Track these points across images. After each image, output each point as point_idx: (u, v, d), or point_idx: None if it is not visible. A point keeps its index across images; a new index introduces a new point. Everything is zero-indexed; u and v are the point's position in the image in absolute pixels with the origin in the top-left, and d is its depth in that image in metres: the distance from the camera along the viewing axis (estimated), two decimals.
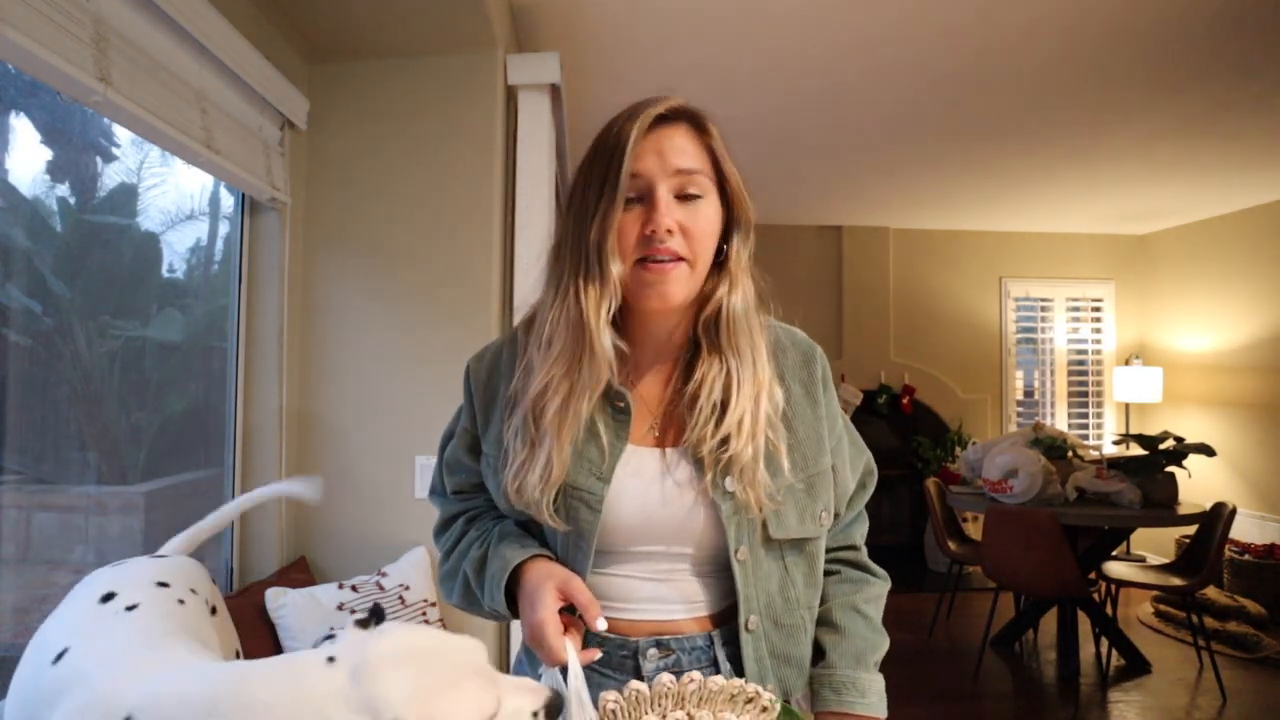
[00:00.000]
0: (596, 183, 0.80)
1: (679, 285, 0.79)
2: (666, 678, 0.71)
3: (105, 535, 1.59)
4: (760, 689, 0.71)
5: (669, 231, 0.77)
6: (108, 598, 0.71)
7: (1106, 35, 2.35)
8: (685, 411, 0.82)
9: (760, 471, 0.78)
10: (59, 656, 0.63)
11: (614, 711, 0.70)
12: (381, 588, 1.87)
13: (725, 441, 0.78)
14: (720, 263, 0.84)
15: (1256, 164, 3.72)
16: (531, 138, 2.09)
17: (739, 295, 0.83)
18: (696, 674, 0.72)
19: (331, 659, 0.57)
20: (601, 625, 0.73)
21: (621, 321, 0.83)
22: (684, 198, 0.80)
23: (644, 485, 0.80)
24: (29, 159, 1.40)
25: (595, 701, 0.70)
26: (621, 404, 0.81)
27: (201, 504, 1.90)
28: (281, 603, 1.72)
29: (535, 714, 0.64)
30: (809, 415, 0.86)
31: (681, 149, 0.80)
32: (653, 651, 0.80)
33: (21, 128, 1.38)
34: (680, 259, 0.78)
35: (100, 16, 1.23)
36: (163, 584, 0.77)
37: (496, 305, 2.06)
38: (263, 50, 1.75)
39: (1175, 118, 3.08)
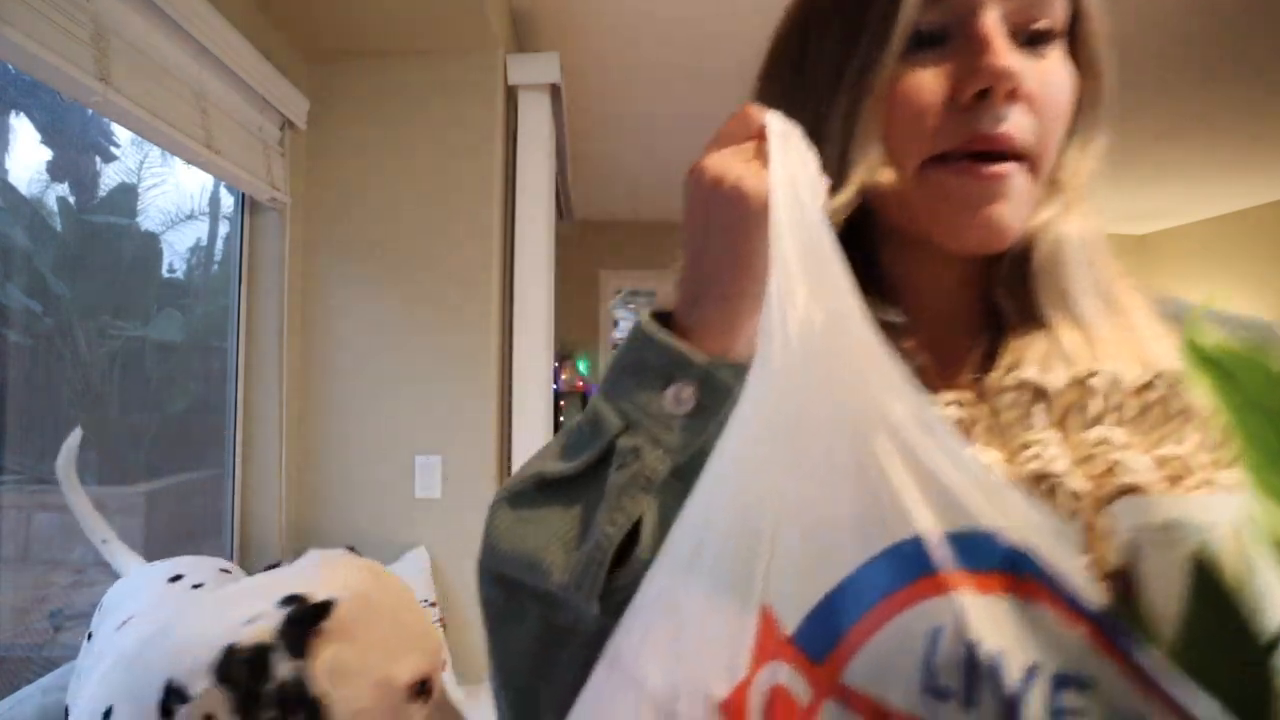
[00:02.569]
0: (840, 17, 0.44)
1: (1017, 206, 0.42)
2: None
3: None
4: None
5: (1012, 94, 0.40)
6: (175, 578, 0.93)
7: (1106, 35, 2.35)
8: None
9: None
10: (122, 624, 0.83)
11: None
12: None
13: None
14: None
15: (1256, 164, 3.71)
16: (531, 138, 2.09)
17: (1075, 223, 0.45)
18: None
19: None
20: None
21: (868, 262, 0.46)
22: (1029, 41, 0.43)
23: None
24: (29, 159, 1.40)
25: None
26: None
27: (201, 504, 1.90)
28: None
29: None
30: None
31: None
32: None
33: (21, 128, 1.38)
34: (1021, 157, 0.42)
35: (100, 16, 1.23)
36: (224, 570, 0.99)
37: (496, 304, 2.06)
38: (263, 50, 1.75)
39: (1175, 118, 3.08)
